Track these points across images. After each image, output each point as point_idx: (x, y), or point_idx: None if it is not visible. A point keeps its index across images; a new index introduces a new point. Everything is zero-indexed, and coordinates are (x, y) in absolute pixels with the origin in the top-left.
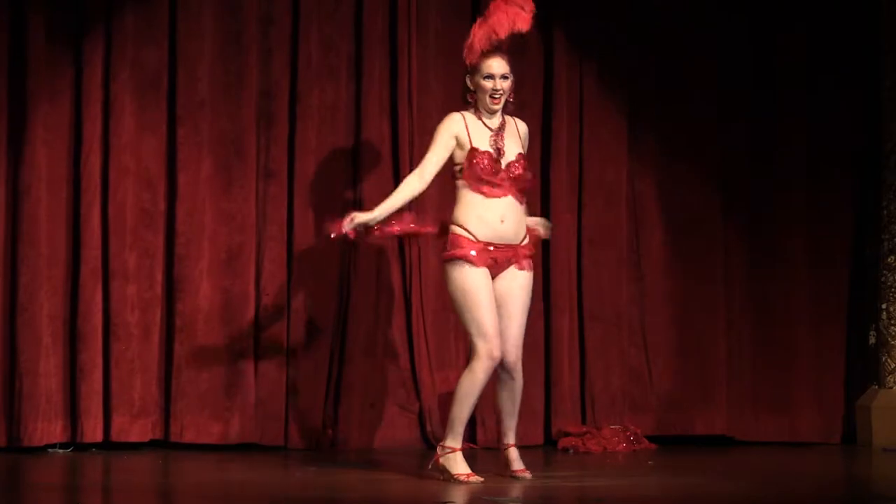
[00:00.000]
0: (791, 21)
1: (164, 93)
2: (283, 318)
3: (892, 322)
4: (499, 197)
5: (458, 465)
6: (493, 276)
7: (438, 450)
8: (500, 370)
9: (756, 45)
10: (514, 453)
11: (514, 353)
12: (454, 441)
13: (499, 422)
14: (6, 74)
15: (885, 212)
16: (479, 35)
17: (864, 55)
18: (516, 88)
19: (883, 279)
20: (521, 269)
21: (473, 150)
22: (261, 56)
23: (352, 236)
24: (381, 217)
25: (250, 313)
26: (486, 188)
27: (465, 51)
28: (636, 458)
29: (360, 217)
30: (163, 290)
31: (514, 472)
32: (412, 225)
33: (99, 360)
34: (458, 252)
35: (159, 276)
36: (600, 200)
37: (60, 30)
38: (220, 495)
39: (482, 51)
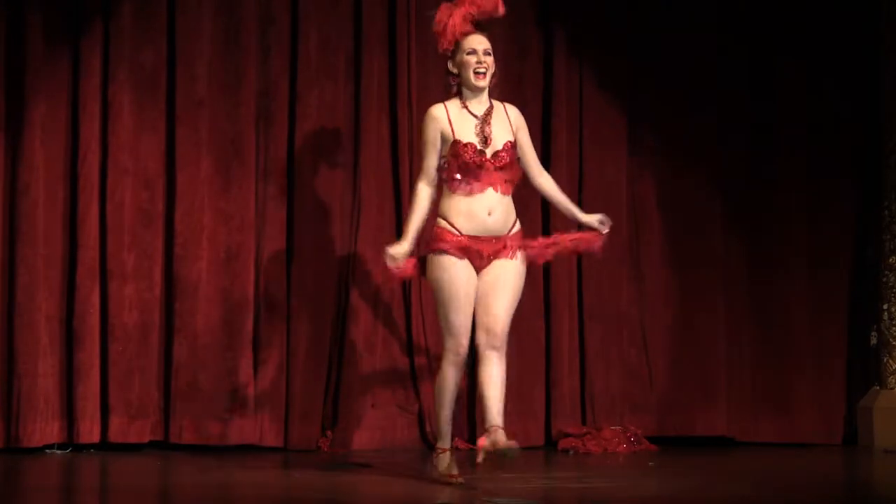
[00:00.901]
0: (791, 21)
1: (162, 92)
2: (282, 318)
3: (894, 322)
4: (484, 189)
5: (443, 464)
6: (480, 269)
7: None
8: (482, 346)
9: (756, 46)
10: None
11: (499, 328)
12: (442, 441)
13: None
14: (4, 74)
15: (885, 212)
16: (456, 17)
17: (864, 55)
18: (516, 89)
19: (884, 279)
20: (509, 258)
21: (457, 143)
22: (260, 55)
23: (399, 271)
24: (414, 237)
25: (249, 314)
26: (471, 181)
27: (439, 35)
28: (636, 459)
29: (399, 249)
30: (161, 291)
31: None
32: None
33: (96, 361)
34: (439, 246)
35: (158, 277)
36: (600, 200)
37: (58, 29)
38: (219, 497)
39: (461, 32)
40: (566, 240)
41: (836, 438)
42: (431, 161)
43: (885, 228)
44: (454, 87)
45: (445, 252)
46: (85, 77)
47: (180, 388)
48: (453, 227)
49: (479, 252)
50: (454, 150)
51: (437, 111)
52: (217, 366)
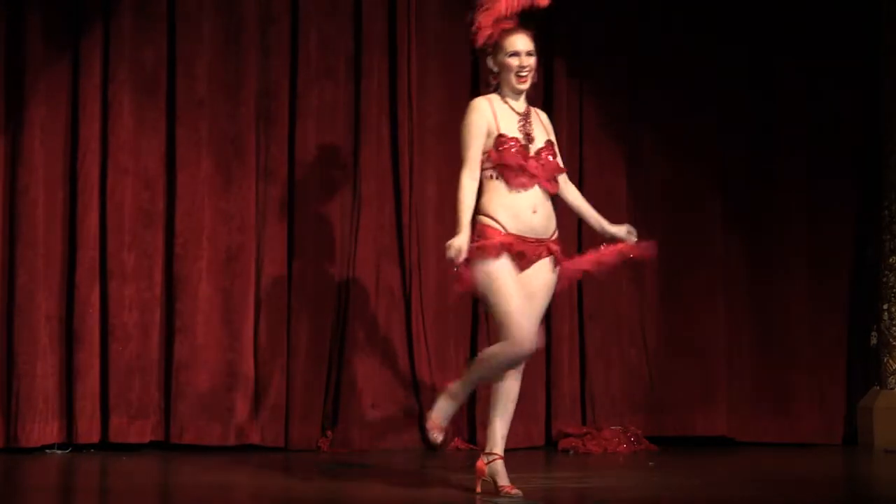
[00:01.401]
0: (791, 21)
1: (162, 92)
2: (282, 318)
3: (894, 322)
4: (529, 187)
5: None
6: (521, 270)
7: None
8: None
9: (756, 46)
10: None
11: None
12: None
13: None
14: (3, 74)
15: (885, 212)
16: (494, 11)
17: (864, 55)
18: None
19: (884, 279)
20: (548, 265)
21: (501, 137)
22: (260, 55)
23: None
24: (469, 228)
25: (250, 314)
26: (515, 177)
27: (477, 31)
28: (636, 459)
29: (461, 240)
30: (162, 291)
31: (501, 487)
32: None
33: (96, 361)
34: (486, 243)
35: (158, 277)
36: (600, 201)
37: (58, 29)
38: (219, 497)
39: (502, 28)
40: (609, 253)
41: (836, 438)
42: (476, 152)
43: (885, 228)
44: (494, 84)
45: (490, 250)
46: (85, 77)
47: (181, 388)
48: (498, 223)
49: (523, 252)
50: (499, 144)
51: (482, 103)
52: (217, 366)
